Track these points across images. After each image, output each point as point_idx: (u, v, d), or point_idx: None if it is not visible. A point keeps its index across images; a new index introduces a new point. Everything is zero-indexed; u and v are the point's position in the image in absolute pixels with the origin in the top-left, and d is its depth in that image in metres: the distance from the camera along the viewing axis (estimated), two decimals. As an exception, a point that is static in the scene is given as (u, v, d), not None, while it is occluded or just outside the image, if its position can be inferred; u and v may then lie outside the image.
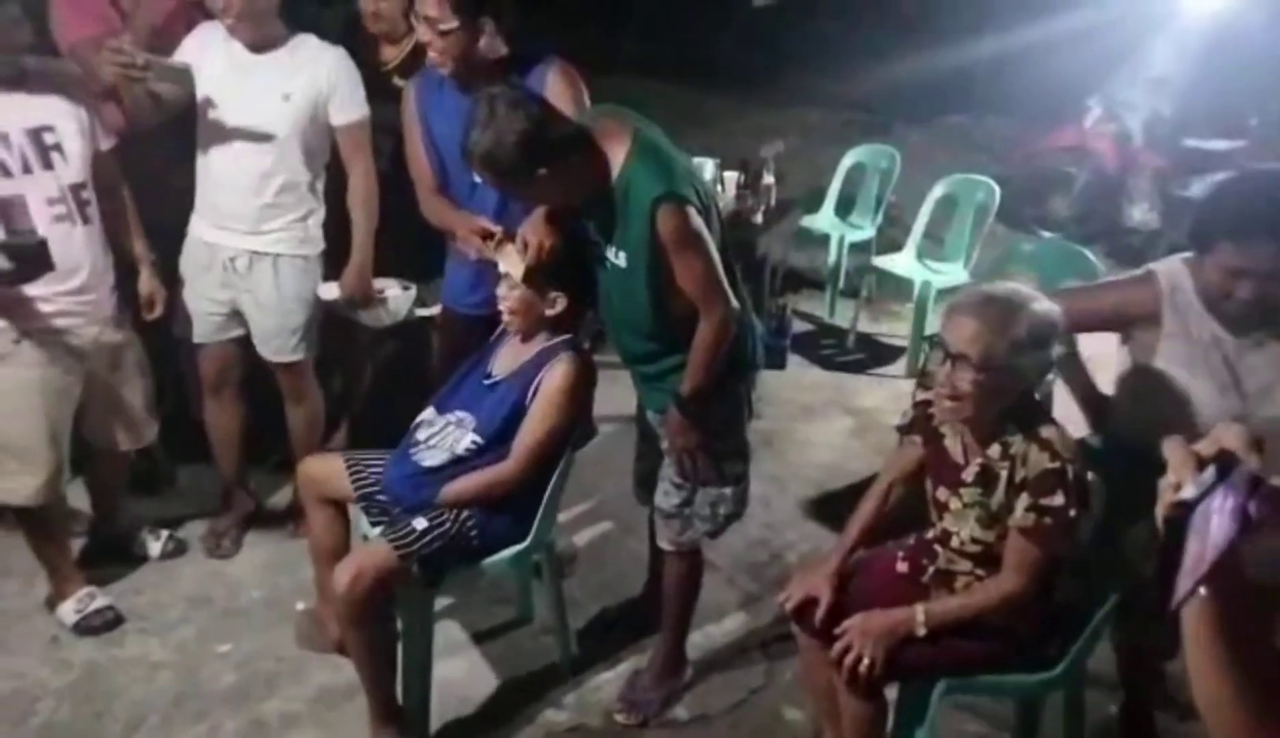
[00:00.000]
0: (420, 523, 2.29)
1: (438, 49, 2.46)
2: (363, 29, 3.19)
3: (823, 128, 8.59)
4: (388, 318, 3.07)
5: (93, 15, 2.88)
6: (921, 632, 1.96)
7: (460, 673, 2.67)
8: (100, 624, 2.77)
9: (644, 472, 2.60)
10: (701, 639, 2.81)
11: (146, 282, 2.79)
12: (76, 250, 2.54)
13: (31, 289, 2.46)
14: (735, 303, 2.22)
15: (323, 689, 2.60)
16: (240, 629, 2.82)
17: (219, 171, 2.81)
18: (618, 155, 2.14)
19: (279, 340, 2.96)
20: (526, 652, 2.78)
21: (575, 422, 2.42)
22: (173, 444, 3.29)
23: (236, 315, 2.96)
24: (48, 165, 2.49)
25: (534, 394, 2.35)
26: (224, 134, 2.77)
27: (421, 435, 2.44)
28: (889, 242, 5.43)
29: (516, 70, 2.49)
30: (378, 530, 2.40)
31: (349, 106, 2.84)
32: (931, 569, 2.10)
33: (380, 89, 2.99)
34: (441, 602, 2.70)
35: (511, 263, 2.33)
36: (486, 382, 2.45)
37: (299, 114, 2.78)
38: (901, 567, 2.18)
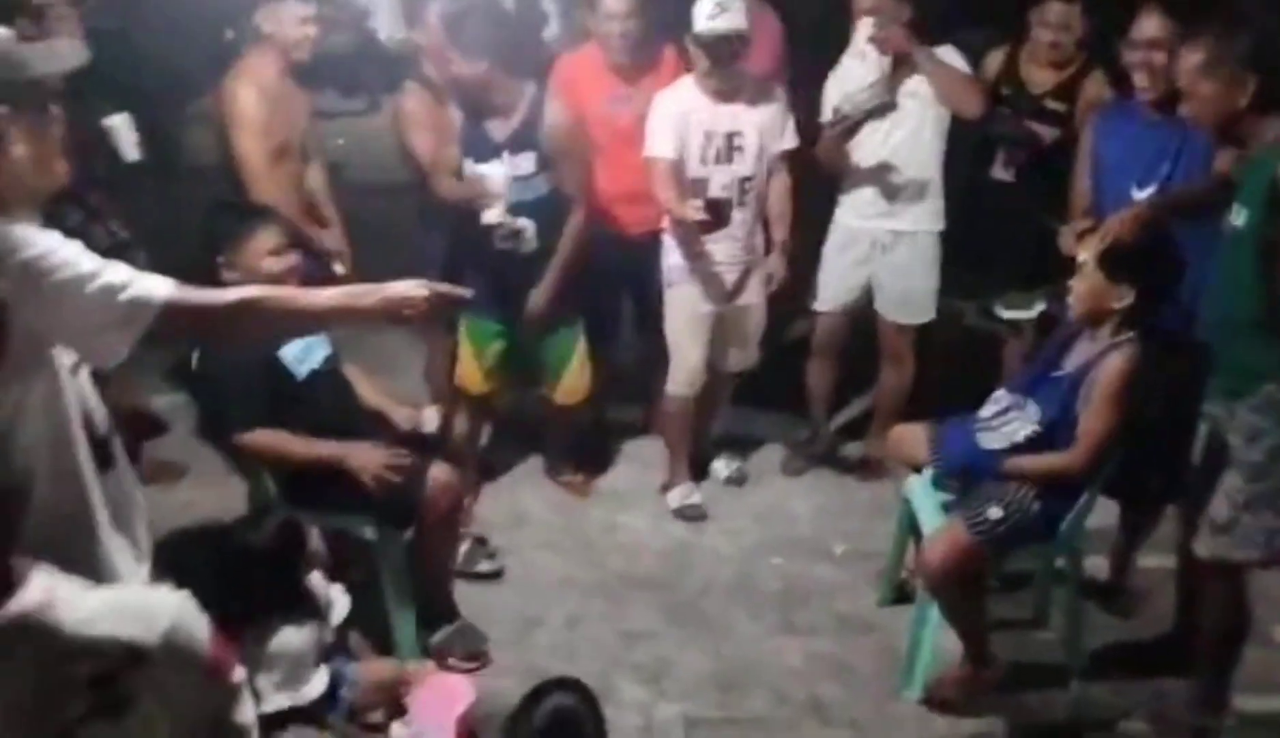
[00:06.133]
0: (995, 512, 2.53)
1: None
2: (1018, 51, 3.39)
3: None
4: None
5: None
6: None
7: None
8: (692, 516, 3.55)
9: None
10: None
11: (775, 261, 3.49)
12: (734, 224, 3.30)
13: (707, 238, 3.28)
14: None
15: (844, 617, 3.07)
16: (790, 551, 3.39)
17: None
18: None
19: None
20: (1030, 647, 2.93)
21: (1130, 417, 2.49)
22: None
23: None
24: (729, 161, 3.29)
25: (1087, 389, 2.48)
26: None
27: (986, 413, 2.68)
28: None
29: None
30: (941, 496, 2.75)
31: None
32: None
33: (1032, 110, 3.30)
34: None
35: (1089, 250, 2.52)
36: (1054, 373, 2.61)
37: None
38: None
